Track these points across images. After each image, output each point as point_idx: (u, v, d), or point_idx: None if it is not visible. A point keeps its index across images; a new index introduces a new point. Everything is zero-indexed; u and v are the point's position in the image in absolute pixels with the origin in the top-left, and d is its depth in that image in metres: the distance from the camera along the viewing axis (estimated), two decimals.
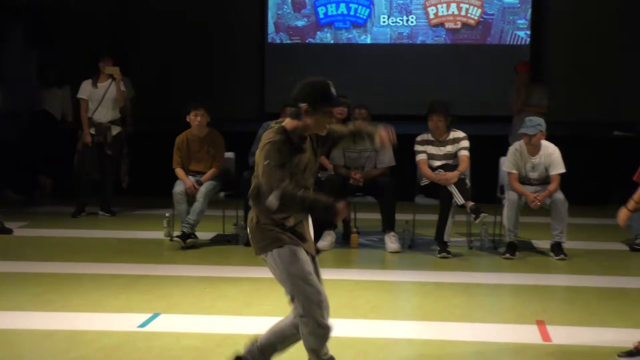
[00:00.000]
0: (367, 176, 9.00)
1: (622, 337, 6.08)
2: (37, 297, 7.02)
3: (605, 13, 14.72)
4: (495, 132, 12.03)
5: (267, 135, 4.60)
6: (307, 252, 4.77)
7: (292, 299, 4.75)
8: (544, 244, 8.92)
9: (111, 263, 8.25)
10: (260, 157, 4.55)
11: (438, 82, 14.36)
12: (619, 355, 5.59)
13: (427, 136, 9.05)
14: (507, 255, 8.59)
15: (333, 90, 4.68)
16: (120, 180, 10.91)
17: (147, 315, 6.41)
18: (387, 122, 9.16)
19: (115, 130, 10.68)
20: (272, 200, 4.45)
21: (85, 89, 10.61)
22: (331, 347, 5.72)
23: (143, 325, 6.21)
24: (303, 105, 4.58)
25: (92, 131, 10.56)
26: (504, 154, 9.34)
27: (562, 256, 8.53)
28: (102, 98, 10.55)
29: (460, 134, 9.01)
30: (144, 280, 7.59)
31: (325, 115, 4.66)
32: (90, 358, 5.56)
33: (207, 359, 5.59)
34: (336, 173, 9.11)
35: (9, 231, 9.56)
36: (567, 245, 8.67)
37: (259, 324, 6.24)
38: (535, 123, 8.67)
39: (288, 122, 4.64)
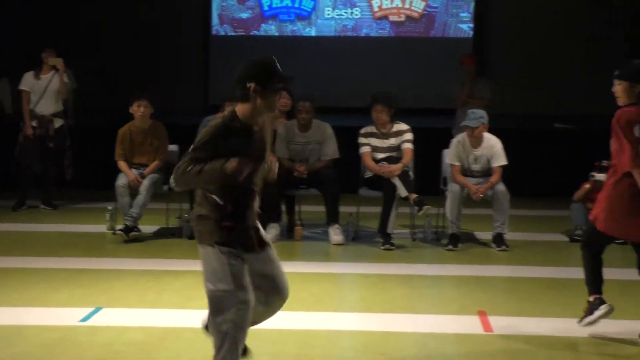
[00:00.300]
0: (311, 169, 9.02)
1: (562, 326, 6.20)
2: None
3: (546, 7, 14.88)
4: (439, 124, 12.10)
5: (213, 120, 4.55)
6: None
7: None
8: (486, 236, 9.02)
9: (53, 257, 8.16)
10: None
11: (382, 74, 14.40)
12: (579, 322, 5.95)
13: (371, 128, 9.08)
14: (450, 246, 8.66)
15: (278, 66, 4.61)
16: (63, 173, 10.78)
17: (90, 310, 6.35)
18: (332, 114, 9.30)
19: (58, 122, 10.54)
20: (171, 181, 4.42)
21: (27, 81, 10.47)
22: (275, 339, 5.79)
23: (85, 319, 6.16)
24: (252, 85, 4.49)
25: (34, 123, 10.43)
26: (447, 146, 9.41)
27: (503, 247, 8.62)
28: (44, 90, 10.41)
29: (403, 126, 9.05)
30: (86, 274, 7.52)
31: (275, 93, 4.61)
32: (32, 353, 5.49)
33: (150, 352, 5.57)
34: (280, 165, 9.09)
35: None
36: (509, 236, 8.78)
37: (200, 318, 6.28)
38: (477, 115, 8.76)
39: (238, 107, 4.55)
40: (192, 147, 4.41)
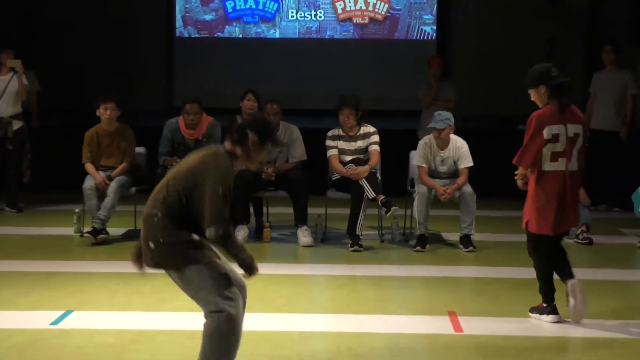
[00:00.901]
0: (278, 170, 9.01)
1: (531, 326, 6.29)
2: None
3: (506, 9, 15.02)
4: (404, 126, 12.15)
5: (219, 159, 4.61)
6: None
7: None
8: (454, 237, 9.06)
9: (20, 260, 8.08)
10: (212, 180, 4.53)
11: (347, 76, 14.41)
12: (530, 311, 6.45)
13: (338, 131, 9.11)
14: (418, 247, 8.69)
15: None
16: (22, 175, 10.68)
17: (60, 313, 6.32)
18: (297, 116, 9.32)
19: (17, 125, 10.40)
20: (212, 233, 4.51)
21: None
22: (247, 341, 5.75)
23: (56, 322, 6.12)
24: (252, 136, 4.67)
25: None
26: (413, 147, 9.46)
27: (471, 248, 8.68)
28: (2, 92, 10.29)
29: (370, 128, 9.09)
30: (55, 277, 7.46)
31: (264, 150, 4.82)
32: (2, 356, 5.46)
33: (122, 355, 5.55)
34: (248, 167, 9.08)
35: None
36: (476, 237, 8.82)
37: (173, 320, 6.28)
38: (444, 117, 8.81)
39: (233, 147, 4.70)
40: (220, 194, 4.52)
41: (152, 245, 4.62)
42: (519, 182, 6.44)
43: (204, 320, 4.72)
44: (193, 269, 4.61)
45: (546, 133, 6.15)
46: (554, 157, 6.17)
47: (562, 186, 6.19)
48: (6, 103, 10.32)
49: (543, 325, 6.27)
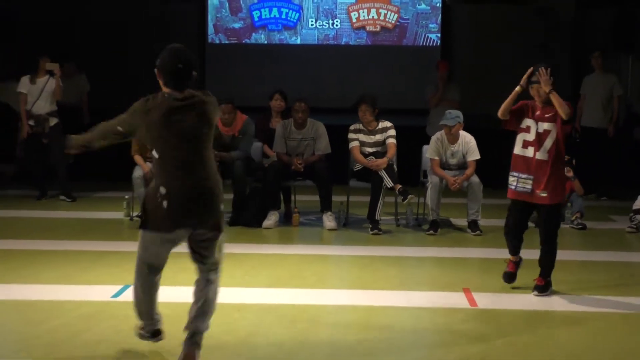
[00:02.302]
0: (306, 162, 9.03)
1: (535, 300, 6.31)
2: (14, 271, 6.90)
3: (502, 20, 15.03)
4: (412, 123, 12.12)
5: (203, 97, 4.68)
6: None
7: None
8: (462, 222, 9.05)
9: (77, 241, 8.11)
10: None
11: (361, 78, 14.42)
12: (538, 292, 6.41)
13: (358, 126, 9.12)
14: (431, 231, 8.70)
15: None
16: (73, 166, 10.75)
17: (119, 287, 6.33)
18: (315, 114, 9.32)
19: (53, 121, 10.41)
20: None
21: (24, 84, 10.35)
22: (283, 315, 5.84)
23: (116, 295, 6.15)
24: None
25: (32, 122, 10.34)
26: (422, 143, 9.54)
27: (477, 232, 8.69)
28: (40, 92, 10.31)
29: (387, 123, 9.10)
30: (110, 256, 7.48)
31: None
32: (71, 324, 5.49)
33: (176, 325, 5.50)
34: (278, 159, 9.12)
35: None
36: (482, 222, 8.84)
37: (220, 295, 6.27)
38: (454, 115, 8.83)
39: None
40: None
41: (222, 206, 4.67)
42: None
43: (206, 275, 4.85)
44: None
45: None
46: None
47: None
48: (44, 102, 10.34)
49: (548, 299, 6.28)
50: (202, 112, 4.53)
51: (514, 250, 6.73)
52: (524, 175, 6.49)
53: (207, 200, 4.56)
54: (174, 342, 4.94)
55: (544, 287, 6.44)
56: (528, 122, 6.50)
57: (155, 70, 4.63)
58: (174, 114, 4.46)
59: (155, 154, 4.52)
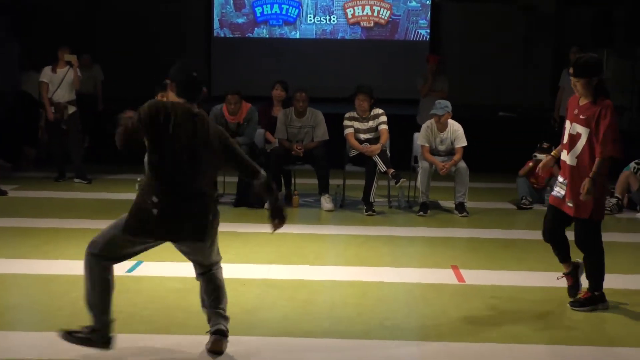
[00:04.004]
0: (305, 148, 9.02)
1: (520, 277, 6.34)
2: (36, 247, 6.90)
3: (487, 16, 15.03)
4: (402, 112, 12.10)
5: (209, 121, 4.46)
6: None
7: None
8: (450, 204, 9.05)
9: (95, 219, 8.04)
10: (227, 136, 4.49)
11: (355, 70, 14.38)
12: (571, 305, 5.53)
13: (353, 114, 9.09)
14: (421, 213, 8.71)
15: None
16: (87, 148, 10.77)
17: (132, 263, 6.30)
18: (313, 103, 9.30)
19: (71, 109, 10.35)
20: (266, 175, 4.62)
21: (46, 74, 10.32)
22: (285, 289, 5.85)
23: (130, 270, 6.15)
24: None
25: (52, 109, 10.31)
26: (412, 130, 9.55)
27: (464, 214, 8.70)
28: (60, 82, 10.28)
29: (379, 110, 9.07)
30: None
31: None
32: None
33: (187, 299, 5.56)
34: (280, 145, 9.11)
35: (4, 192, 9.32)
36: (468, 204, 8.84)
37: (227, 270, 6.24)
38: (443, 105, 8.82)
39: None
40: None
41: (211, 217, 4.37)
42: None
43: (207, 269, 4.65)
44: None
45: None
46: None
47: None
48: (63, 91, 10.30)
49: (531, 276, 6.30)
50: (207, 130, 4.30)
51: (559, 258, 5.71)
52: (561, 179, 5.50)
53: (196, 218, 4.30)
54: (193, 316, 4.94)
55: (581, 302, 5.53)
56: (567, 122, 5.49)
57: (169, 81, 4.36)
58: (182, 124, 4.20)
59: (153, 159, 4.25)
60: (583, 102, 5.37)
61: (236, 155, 4.48)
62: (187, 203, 4.26)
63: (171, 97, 4.37)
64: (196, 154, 4.25)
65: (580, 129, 5.33)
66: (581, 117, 5.32)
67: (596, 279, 5.51)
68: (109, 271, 4.46)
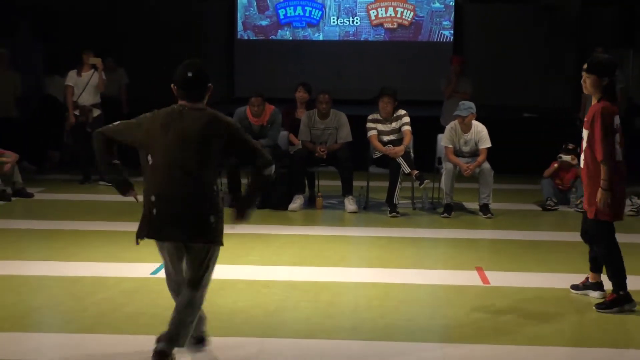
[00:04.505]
0: (329, 149, 9.01)
1: (544, 279, 6.27)
2: (62, 249, 6.95)
3: (511, 16, 14.96)
4: (426, 113, 12.06)
5: (220, 115, 4.26)
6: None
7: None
8: (474, 206, 8.99)
9: (119, 222, 8.10)
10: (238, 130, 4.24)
11: (379, 72, 14.41)
12: (597, 307, 5.44)
13: (376, 116, 9.07)
14: (445, 214, 8.67)
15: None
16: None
17: (157, 265, 6.29)
18: (337, 105, 9.30)
19: (96, 112, 10.43)
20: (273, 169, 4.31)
21: (71, 77, 10.41)
22: (309, 291, 5.83)
23: (155, 272, 6.14)
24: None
25: (77, 112, 10.38)
26: (436, 131, 9.51)
27: (489, 215, 8.64)
28: (85, 85, 10.35)
29: (402, 111, 9.04)
30: None
31: None
32: (114, 298, 5.53)
33: (211, 300, 5.40)
34: (303, 147, 9.10)
35: (30, 195, 9.40)
36: (493, 206, 8.78)
37: (250, 272, 6.31)
38: (467, 106, 8.78)
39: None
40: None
41: (212, 219, 4.17)
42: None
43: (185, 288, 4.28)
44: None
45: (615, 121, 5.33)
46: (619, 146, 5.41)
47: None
48: (88, 94, 10.39)
49: (556, 277, 6.24)
50: (205, 127, 4.11)
51: (590, 265, 5.74)
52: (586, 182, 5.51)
53: (192, 217, 4.12)
54: (215, 317, 4.93)
55: (607, 304, 5.44)
56: (617, 120, 5.38)
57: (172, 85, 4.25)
58: (174, 121, 4.13)
59: (149, 159, 4.17)
60: (592, 102, 5.41)
61: (243, 143, 4.21)
62: (184, 202, 4.11)
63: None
64: (189, 152, 4.09)
65: (584, 132, 5.39)
66: (585, 119, 5.40)
67: (617, 278, 5.45)
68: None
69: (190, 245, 4.22)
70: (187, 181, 4.10)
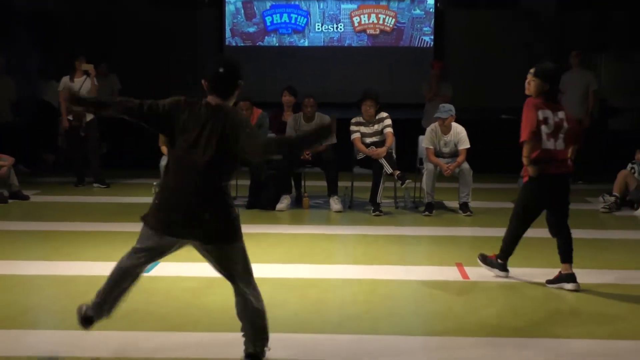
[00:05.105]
0: (314, 151, 9.00)
1: (521, 273, 6.28)
2: (57, 250, 6.92)
3: (491, 21, 15.00)
4: (408, 115, 12.08)
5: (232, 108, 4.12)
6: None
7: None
8: (454, 204, 9.02)
9: (113, 222, 8.10)
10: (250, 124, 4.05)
11: (362, 76, 14.38)
12: (547, 282, 5.88)
13: (359, 118, 9.07)
14: (426, 212, 8.69)
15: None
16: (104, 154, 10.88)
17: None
18: (322, 108, 9.29)
19: (89, 117, 10.36)
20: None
21: (65, 83, 10.34)
22: (297, 288, 5.84)
23: (147, 271, 6.06)
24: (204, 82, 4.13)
25: (70, 117, 10.33)
26: (417, 133, 9.52)
27: (468, 213, 8.67)
28: (78, 90, 10.25)
29: (383, 114, 9.04)
30: None
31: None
32: None
33: (201, 297, 5.58)
34: None
35: (26, 197, 9.36)
36: (472, 204, 8.81)
37: None
38: (447, 109, 8.80)
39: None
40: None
41: (225, 217, 4.06)
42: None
43: (238, 289, 4.31)
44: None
45: (540, 115, 5.72)
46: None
47: None
48: None
49: (534, 272, 6.26)
50: (223, 125, 3.92)
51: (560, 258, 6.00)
52: None
53: (190, 212, 3.98)
54: (208, 314, 4.93)
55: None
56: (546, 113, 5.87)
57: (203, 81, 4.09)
58: (194, 117, 3.96)
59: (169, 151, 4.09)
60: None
61: (245, 135, 3.93)
62: (197, 199, 3.98)
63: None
64: (206, 147, 3.93)
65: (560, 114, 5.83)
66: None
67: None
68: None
69: (202, 245, 4.19)
70: (192, 183, 3.97)
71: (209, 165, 3.94)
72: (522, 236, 6.12)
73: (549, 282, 5.94)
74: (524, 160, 5.82)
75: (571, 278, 5.83)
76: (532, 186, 5.90)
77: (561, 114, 5.79)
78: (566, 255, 5.89)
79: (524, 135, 5.72)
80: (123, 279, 4.38)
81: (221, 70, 4.04)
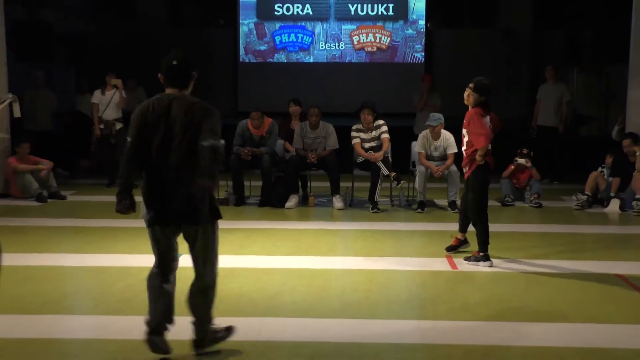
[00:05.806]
0: (319, 156, 8.98)
1: (503, 263, 6.27)
2: (91, 244, 6.92)
3: (475, 40, 14.97)
4: (402, 123, 12.01)
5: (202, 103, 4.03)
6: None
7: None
8: (443, 202, 8.99)
9: (140, 220, 8.06)
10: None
11: (361, 89, 14.31)
12: (465, 259, 6.22)
13: (359, 126, 9.04)
14: (419, 210, 8.65)
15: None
16: None
17: None
18: (324, 117, 9.27)
19: (119, 126, 10.37)
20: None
21: (97, 96, 10.40)
22: (303, 277, 5.80)
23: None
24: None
25: (102, 126, 10.35)
26: (410, 139, 9.47)
27: (456, 210, 8.56)
28: (108, 103, 10.32)
29: (380, 121, 9.01)
30: None
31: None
32: (136, 285, 5.46)
33: (219, 286, 5.51)
34: (297, 154, 9.08)
35: (63, 197, 9.36)
36: (459, 202, 8.73)
37: (251, 261, 6.28)
38: (437, 117, 8.78)
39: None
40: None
41: (199, 199, 3.93)
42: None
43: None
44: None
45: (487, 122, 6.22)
46: None
47: None
48: (111, 110, 10.36)
49: (514, 263, 6.24)
50: (185, 113, 3.87)
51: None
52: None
53: (184, 199, 3.93)
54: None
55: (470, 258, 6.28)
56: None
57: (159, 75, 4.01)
58: (157, 107, 3.92)
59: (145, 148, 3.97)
60: (469, 110, 6.17)
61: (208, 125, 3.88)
62: (174, 183, 3.91)
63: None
64: (173, 134, 3.86)
65: (463, 130, 6.24)
66: (464, 122, 6.19)
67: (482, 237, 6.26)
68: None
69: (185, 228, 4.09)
70: (168, 168, 3.89)
71: (182, 150, 3.83)
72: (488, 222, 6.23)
73: (466, 259, 6.24)
74: (478, 158, 6.15)
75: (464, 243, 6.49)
76: (483, 171, 6.20)
77: (488, 117, 6.17)
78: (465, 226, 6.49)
79: (483, 141, 6.04)
80: (160, 295, 4.28)
81: (174, 62, 3.96)
